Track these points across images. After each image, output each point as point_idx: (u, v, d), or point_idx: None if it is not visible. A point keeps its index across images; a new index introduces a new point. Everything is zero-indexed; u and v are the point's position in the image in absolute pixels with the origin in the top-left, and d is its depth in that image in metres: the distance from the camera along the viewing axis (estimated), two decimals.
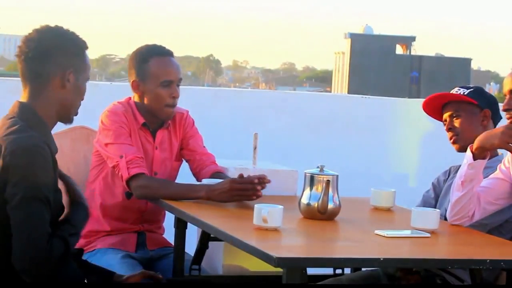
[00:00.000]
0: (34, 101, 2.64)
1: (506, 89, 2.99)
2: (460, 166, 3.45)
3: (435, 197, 3.50)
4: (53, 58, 2.63)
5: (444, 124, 3.45)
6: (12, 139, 2.53)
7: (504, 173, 3.09)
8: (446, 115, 3.44)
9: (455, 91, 3.45)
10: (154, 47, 3.52)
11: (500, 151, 3.42)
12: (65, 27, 2.70)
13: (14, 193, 2.49)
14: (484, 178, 3.18)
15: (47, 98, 2.64)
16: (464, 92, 3.41)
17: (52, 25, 2.68)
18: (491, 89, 59.55)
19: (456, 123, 3.39)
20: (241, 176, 3.17)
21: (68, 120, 2.73)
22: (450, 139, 3.41)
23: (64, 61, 2.64)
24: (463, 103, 3.38)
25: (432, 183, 3.55)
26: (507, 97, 2.98)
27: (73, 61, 2.66)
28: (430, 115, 3.53)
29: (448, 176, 3.51)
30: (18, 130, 2.56)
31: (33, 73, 2.64)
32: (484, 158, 2.99)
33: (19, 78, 2.70)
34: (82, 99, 2.73)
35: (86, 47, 2.72)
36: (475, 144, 2.98)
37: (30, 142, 2.53)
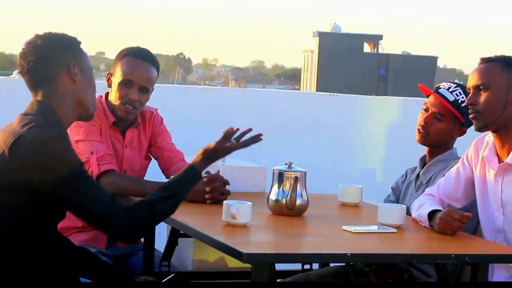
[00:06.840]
0: (50, 102, 2.59)
1: (469, 84, 3.03)
2: (415, 168, 3.49)
3: (396, 200, 3.54)
4: (52, 59, 2.60)
5: (424, 110, 3.39)
6: (37, 132, 2.46)
7: (466, 167, 3.12)
8: (431, 108, 3.37)
9: (451, 90, 3.35)
10: (135, 48, 3.53)
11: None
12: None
13: (58, 175, 2.44)
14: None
15: (62, 98, 2.60)
16: (461, 99, 3.31)
17: (39, 33, 2.65)
18: None
19: (434, 124, 3.35)
20: (208, 172, 3.19)
21: (88, 116, 2.69)
22: (418, 130, 3.39)
23: (64, 57, 2.60)
24: (451, 112, 3.34)
25: (392, 187, 3.59)
26: (471, 92, 3.02)
27: (72, 54, 2.62)
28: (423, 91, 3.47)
29: (406, 178, 3.56)
30: (41, 125, 2.50)
31: (39, 80, 2.60)
32: None
33: None
34: (95, 91, 2.68)
35: (79, 42, 2.68)
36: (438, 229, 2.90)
37: (55, 134, 2.47)
